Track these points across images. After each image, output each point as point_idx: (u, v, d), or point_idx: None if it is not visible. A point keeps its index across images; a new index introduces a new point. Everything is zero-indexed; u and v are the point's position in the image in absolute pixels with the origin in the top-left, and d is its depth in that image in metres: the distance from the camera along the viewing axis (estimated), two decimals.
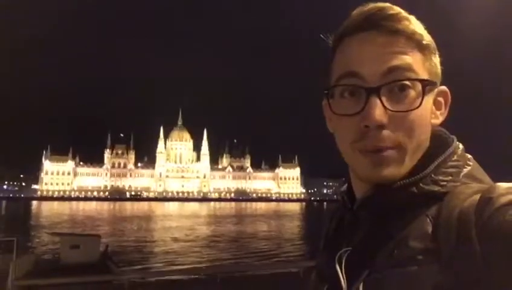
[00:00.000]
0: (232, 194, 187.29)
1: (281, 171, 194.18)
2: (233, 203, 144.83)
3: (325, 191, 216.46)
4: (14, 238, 13.87)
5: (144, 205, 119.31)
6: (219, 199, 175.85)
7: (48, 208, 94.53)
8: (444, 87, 0.73)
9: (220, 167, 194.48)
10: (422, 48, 0.68)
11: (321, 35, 0.74)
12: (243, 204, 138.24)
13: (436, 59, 0.71)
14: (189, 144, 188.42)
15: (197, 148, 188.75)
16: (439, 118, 0.72)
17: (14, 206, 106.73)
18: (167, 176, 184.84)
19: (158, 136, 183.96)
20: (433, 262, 0.59)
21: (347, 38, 0.70)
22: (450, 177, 0.66)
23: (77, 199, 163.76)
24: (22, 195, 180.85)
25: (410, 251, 0.61)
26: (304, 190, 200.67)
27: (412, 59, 0.66)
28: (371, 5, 0.69)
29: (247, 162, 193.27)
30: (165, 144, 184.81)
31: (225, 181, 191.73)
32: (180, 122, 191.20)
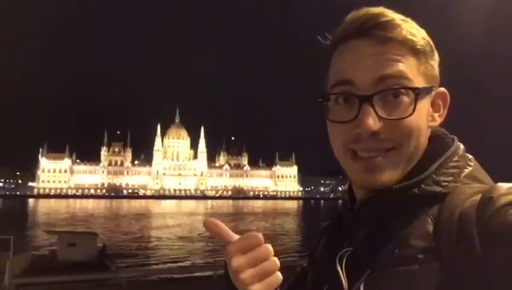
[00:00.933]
0: (229, 192, 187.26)
1: (278, 169, 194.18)
2: (230, 201, 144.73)
3: (322, 189, 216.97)
4: (10, 237, 13.83)
5: (140, 203, 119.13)
6: (216, 197, 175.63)
7: (44, 206, 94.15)
8: (442, 89, 0.72)
9: (217, 164, 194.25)
10: (416, 52, 0.68)
11: (318, 37, 0.75)
12: (240, 202, 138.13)
13: (434, 61, 0.71)
14: (187, 141, 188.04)
15: (194, 146, 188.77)
16: (437, 120, 0.72)
17: (10, 204, 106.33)
18: (164, 174, 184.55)
19: (155, 134, 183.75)
20: (434, 261, 0.59)
21: (341, 46, 0.71)
22: (451, 178, 0.67)
23: (74, 196, 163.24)
24: (19, 193, 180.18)
25: (411, 250, 0.61)
26: (301, 188, 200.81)
27: (405, 66, 0.66)
28: (364, 11, 0.69)
29: (245, 160, 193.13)
30: (162, 141, 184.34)
31: (222, 179, 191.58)
32: (177, 120, 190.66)
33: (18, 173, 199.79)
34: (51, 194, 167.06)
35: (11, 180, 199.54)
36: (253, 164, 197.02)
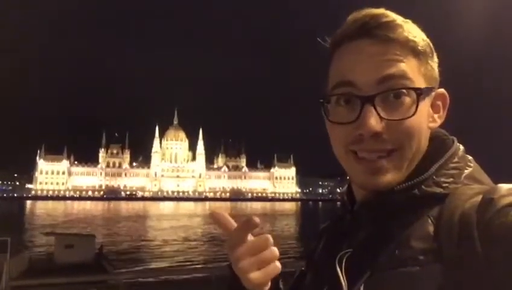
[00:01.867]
0: (228, 194, 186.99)
1: (276, 170, 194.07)
2: (228, 203, 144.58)
3: (320, 191, 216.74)
4: (7, 238, 13.78)
5: (139, 205, 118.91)
6: (214, 199, 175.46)
7: (42, 208, 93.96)
8: (442, 90, 0.73)
9: (215, 166, 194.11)
10: (417, 53, 0.68)
11: (318, 39, 0.74)
12: (238, 204, 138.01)
13: (433, 62, 0.71)
14: (185, 143, 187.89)
15: (192, 147, 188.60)
16: (437, 121, 0.72)
17: (7, 205, 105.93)
18: (162, 176, 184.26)
19: (153, 136, 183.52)
20: (434, 262, 0.59)
21: (342, 46, 0.71)
22: (452, 179, 0.67)
23: (72, 198, 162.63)
24: (16, 194, 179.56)
25: (412, 252, 0.61)
26: (299, 190, 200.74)
27: (406, 66, 0.66)
28: (366, 12, 0.69)
29: (243, 162, 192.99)
30: (161, 143, 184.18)
31: (220, 181, 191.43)
32: (175, 122, 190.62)
33: (16, 175, 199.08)
34: (49, 196, 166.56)
35: (9, 182, 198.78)
36: (252, 165, 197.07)
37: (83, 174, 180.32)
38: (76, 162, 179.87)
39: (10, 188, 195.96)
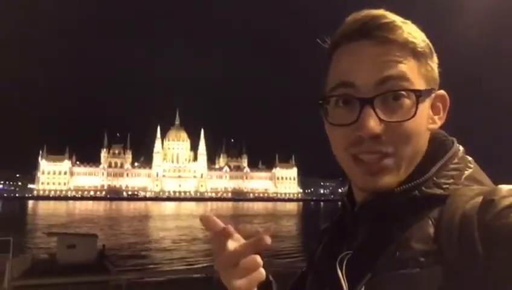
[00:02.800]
0: (229, 194, 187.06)
1: (277, 171, 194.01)
2: (230, 203, 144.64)
3: (321, 191, 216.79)
4: (10, 238, 13.82)
5: (140, 205, 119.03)
6: (216, 199, 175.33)
7: (44, 208, 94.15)
8: (442, 92, 0.72)
9: (217, 166, 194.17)
10: (416, 54, 0.67)
11: (317, 40, 0.74)
12: (240, 204, 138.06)
13: (433, 63, 0.70)
14: (186, 143, 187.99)
15: (194, 147, 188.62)
16: (437, 122, 0.72)
17: (10, 206, 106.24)
18: (164, 176, 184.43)
19: (155, 136, 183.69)
20: (435, 264, 0.59)
21: (341, 47, 0.70)
22: (452, 180, 0.67)
23: (74, 198, 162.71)
24: (18, 195, 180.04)
25: (412, 253, 0.61)
26: (300, 190, 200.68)
27: (406, 67, 0.66)
28: (365, 13, 0.69)
29: (244, 162, 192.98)
30: (162, 143, 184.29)
31: (222, 181, 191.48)
32: (177, 122, 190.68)
33: (18, 175, 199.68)
34: (51, 196, 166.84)
35: (11, 182, 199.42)
36: (253, 165, 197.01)
37: (85, 175, 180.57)
38: (78, 163, 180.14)
39: (12, 188, 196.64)
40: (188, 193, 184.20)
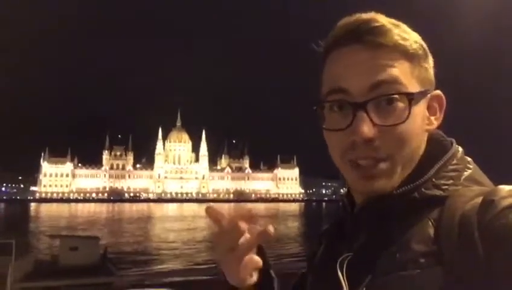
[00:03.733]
0: (231, 195, 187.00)
1: (279, 171, 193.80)
2: (232, 204, 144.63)
3: (323, 192, 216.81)
4: (12, 241, 13.80)
5: (142, 206, 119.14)
6: (218, 200, 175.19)
7: (46, 210, 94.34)
8: (438, 92, 0.72)
9: (218, 167, 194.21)
10: (409, 56, 0.67)
11: (313, 45, 0.74)
12: (242, 205, 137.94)
13: (428, 64, 0.70)
14: (188, 145, 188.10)
15: (195, 149, 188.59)
16: (434, 123, 0.72)
17: (12, 208, 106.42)
18: (166, 177, 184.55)
19: (157, 137, 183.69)
20: (435, 265, 0.59)
21: (333, 52, 0.70)
22: (451, 181, 0.67)
23: (76, 200, 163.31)
24: (20, 197, 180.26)
25: (413, 255, 0.61)
26: (302, 191, 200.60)
27: (398, 71, 0.66)
28: (356, 17, 0.69)
29: (246, 163, 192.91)
30: (164, 145, 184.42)
31: (224, 182, 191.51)
32: (178, 123, 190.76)
33: (20, 178, 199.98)
34: (53, 198, 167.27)
35: (13, 185, 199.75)
36: (255, 166, 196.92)
37: (87, 177, 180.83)
38: (80, 165, 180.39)
39: (14, 190, 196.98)
40: (189, 195, 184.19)
